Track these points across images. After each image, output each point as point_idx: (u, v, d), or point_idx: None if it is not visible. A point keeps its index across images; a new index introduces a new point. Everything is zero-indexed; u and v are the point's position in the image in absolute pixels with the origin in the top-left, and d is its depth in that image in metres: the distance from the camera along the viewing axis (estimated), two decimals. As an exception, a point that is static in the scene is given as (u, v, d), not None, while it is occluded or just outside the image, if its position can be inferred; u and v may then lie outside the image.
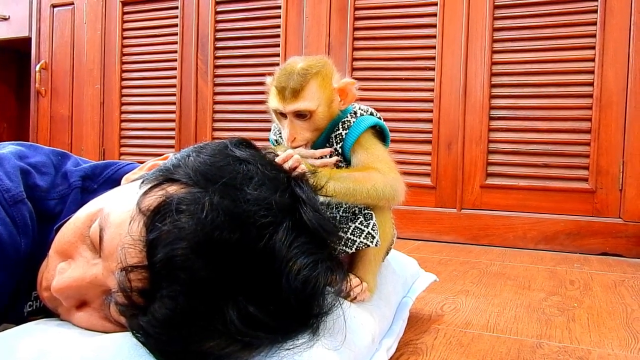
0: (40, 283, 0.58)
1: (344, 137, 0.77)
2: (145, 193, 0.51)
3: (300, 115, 0.74)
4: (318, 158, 0.74)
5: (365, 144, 0.77)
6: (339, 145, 0.77)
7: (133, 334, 0.48)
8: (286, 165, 0.59)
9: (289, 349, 0.50)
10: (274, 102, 0.75)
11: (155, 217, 0.48)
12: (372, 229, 0.73)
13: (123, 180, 0.66)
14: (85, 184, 0.68)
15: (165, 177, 0.52)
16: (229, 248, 0.46)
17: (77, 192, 0.66)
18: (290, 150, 0.62)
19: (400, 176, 0.77)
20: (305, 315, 0.52)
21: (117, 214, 0.52)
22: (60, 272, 0.54)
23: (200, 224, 0.46)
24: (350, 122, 0.77)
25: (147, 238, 0.47)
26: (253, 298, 0.47)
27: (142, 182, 0.54)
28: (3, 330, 0.59)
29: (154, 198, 0.50)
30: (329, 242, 0.54)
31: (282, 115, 0.76)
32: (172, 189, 0.50)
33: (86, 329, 0.55)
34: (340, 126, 0.77)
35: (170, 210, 0.47)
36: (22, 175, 0.62)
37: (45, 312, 0.65)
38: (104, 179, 0.70)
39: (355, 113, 0.79)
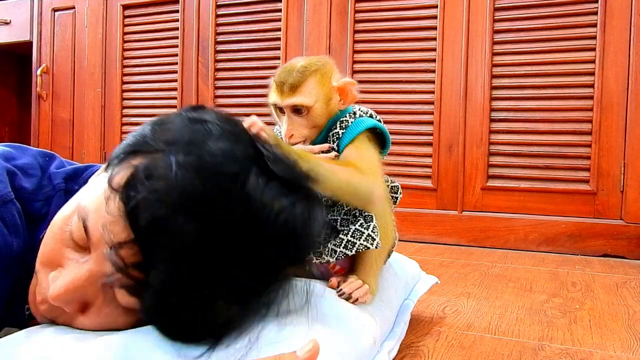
0: (33, 300, 0.56)
1: (340, 136, 0.77)
2: (112, 173, 0.52)
3: (297, 111, 0.75)
4: (317, 154, 0.74)
5: (358, 144, 0.76)
6: (335, 144, 0.77)
7: (145, 314, 0.49)
8: (251, 131, 0.58)
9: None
10: (272, 96, 0.77)
11: (128, 190, 0.48)
12: (372, 231, 0.73)
13: (90, 179, 0.65)
14: (68, 186, 0.68)
15: (128, 152, 0.53)
16: (205, 200, 0.47)
17: (61, 194, 0.66)
18: (255, 117, 0.62)
19: (382, 182, 0.75)
20: (296, 255, 0.53)
21: (92, 200, 0.52)
22: (54, 280, 0.53)
23: (171, 183, 0.47)
24: (348, 122, 0.78)
25: (126, 211, 0.47)
26: (244, 247, 0.48)
27: (107, 167, 0.55)
28: (4, 335, 0.59)
29: (122, 173, 0.50)
30: (302, 184, 0.54)
31: (281, 111, 0.77)
32: (137, 160, 0.51)
33: (97, 329, 0.55)
34: (338, 125, 0.78)
35: (141, 178, 0.48)
36: (8, 177, 0.61)
37: None
38: (84, 180, 0.70)
39: (354, 114, 0.79)
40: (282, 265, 0.52)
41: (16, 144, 0.69)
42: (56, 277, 0.53)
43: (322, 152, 0.75)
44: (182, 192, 0.46)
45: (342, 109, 0.79)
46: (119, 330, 0.54)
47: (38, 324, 0.65)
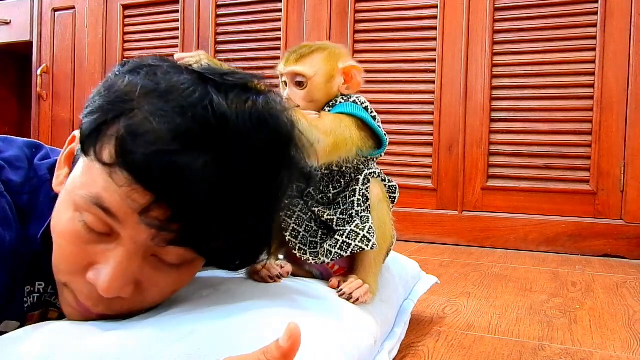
0: (78, 312, 0.56)
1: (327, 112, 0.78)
2: (96, 152, 0.51)
3: (299, 84, 0.78)
4: None
5: (337, 115, 0.76)
6: None
7: (203, 254, 0.54)
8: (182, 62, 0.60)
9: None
10: (279, 65, 0.80)
11: (125, 156, 0.49)
12: (367, 232, 0.73)
13: (55, 186, 0.63)
14: (52, 176, 0.67)
15: (95, 128, 0.52)
16: (196, 132, 0.49)
17: (47, 185, 0.65)
18: (179, 53, 0.64)
19: (333, 144, 0.71)
20: (284, 138, 0.54)
21: (93, 184, 0.51)
22: (97, 276, 0.53)
23: (159, 131, 0.48)
24: (337, 102, 0.79)
25: (134, 176, 0.48)
26: (245, 156, 0.50)
27: (83, 151, 0.54)
28: (4, 328, 0.59)
29: (106, 146, 0.50)
30: (248, 83, 0.55)
31: (285, 84, 0.79)
32: (112, 129, 0.51)
33: (166, 297, 0.57)
34: (327, 104, 0.79)
35: (129, 141, 0.48)
36: None
37: (43, 306, 0.65)
38: None
39: (349, 98, 0.79)
40: (280, 154, 0.54)
41: (2, 135, 0.69)
42: (97, 273, 0.53)
43: None
44: (173, 134, 0.48)
45: (344, 94, 0.80)
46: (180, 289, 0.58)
47: (36, 317, 0.65)
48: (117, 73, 0.56)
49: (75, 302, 0.55)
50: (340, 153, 0.73)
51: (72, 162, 0.59)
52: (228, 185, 0.50)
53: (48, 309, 0.66)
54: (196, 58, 0.62)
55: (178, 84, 0.51)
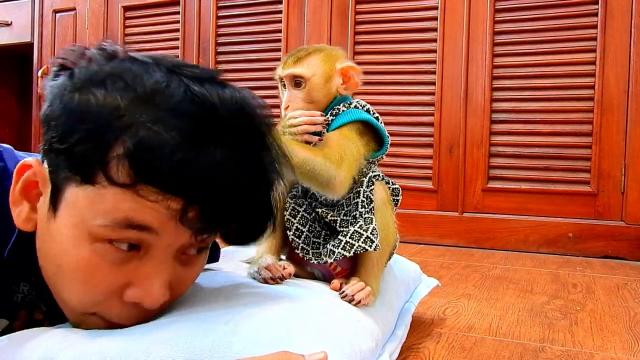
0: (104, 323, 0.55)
1: (329, 122, 0.79)
2: (108, 177, 0.49)
3: (297, 84, 0.79)
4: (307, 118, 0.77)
5: (343, 131, 0.77)
6: (325, 130, 0.79)
7: (227, 236, 0.58)
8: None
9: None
10: (277, 70, 0.82)
11: (148, 172, 0.49)
12: (371, 233, 0.73)
13: (21, 224, 0.58)
14: None
15: (98, 152, 0.49)
16: (200, 127, 0.50)
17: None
18: None
19: (348, 171, 0.74)
20: (265, 118, 0.57)
21: (115, 209, 0.50)
22: (137, 293, 0.53)
23: (172, 138, 0.48)
24: (340, 110, 0.80)
25: (163, 187, 0.49)
26: (243, 137, 0.53)
27: (86, 182, 0.50)
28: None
29: (120, 167, 0.48)
30: (215, 75, 0.57)
31: (284, 87, 0.81)
32: (117, 149, 0.48)
33: (187, 289, 0.60)
34: (330, 113, 0.80)
35: (145, 157, 0.48)
36: None
37: (27, 307, 0.64)
38: None
39: (350, 104, 0.80)
40: (262, 136, 0.57)
41: None
42: (137, 290, 0.53)
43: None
44: (185, 137, 0.49)
45: (343, 94, 0.81)
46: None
47: (23, 316, 0.64)
48: (73, 89, 0.54)
49: (104, 325, 0.55)
50: (355, 173, 0.76)
51: (31, 194, 0.56)
52: (237, 169, 0.52)
53: (33, 310, 0.66)
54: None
55: (156, 85, 0.51)
